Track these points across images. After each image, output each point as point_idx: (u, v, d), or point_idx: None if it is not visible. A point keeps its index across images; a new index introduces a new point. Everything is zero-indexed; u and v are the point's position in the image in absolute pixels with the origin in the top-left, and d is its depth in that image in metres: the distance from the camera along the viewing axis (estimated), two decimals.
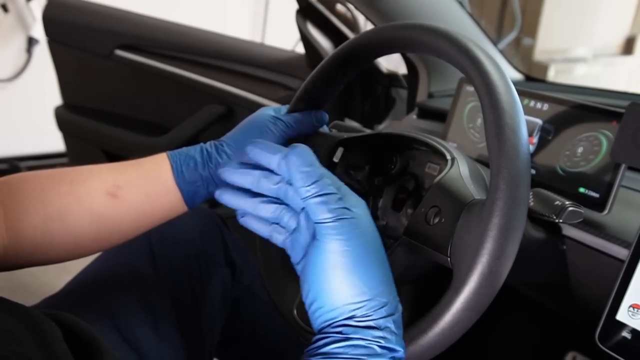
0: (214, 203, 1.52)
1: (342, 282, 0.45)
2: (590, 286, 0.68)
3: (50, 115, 1.65)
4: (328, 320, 0.46)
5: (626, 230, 0.64)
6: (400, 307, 0.48)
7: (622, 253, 0.63)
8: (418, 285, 0.82)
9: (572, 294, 0.71)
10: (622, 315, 0.55)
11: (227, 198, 0.54)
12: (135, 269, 0.79)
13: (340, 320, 0.46)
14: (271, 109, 0.69)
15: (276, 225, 0.53)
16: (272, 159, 0.49)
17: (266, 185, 0.51)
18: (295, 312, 0.62)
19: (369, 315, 0.45)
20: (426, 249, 0.54)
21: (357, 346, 0.44)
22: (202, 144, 0.67)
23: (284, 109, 0.70)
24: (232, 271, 0.91)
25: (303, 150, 0.47)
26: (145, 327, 0.74)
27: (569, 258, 0.69)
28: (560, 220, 0.61)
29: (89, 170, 0.63)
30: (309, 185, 0.46)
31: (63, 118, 1.64)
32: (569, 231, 0.68)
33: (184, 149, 0.66)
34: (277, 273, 0.70)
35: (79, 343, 0.57)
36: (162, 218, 0.66)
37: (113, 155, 1.60)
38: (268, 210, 0.52)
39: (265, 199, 0.52)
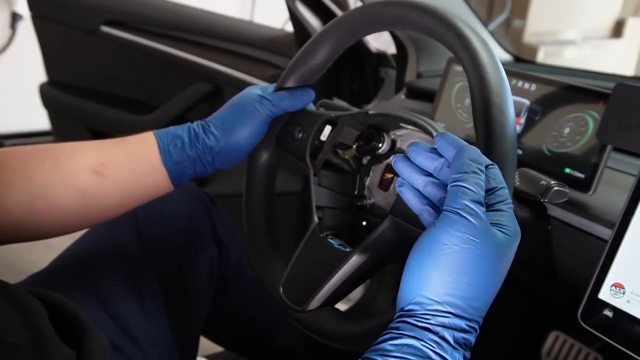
0: (202, 182, 1.52)
1: (425, 273, 0.44)
2: (573, 265, 0.69)
3: (35, 92, 1.62)
4: (399, 307, 0.45)
5: (610, 210, 0.65)
6: (471, 339, 0.44)
7: (606, 233, 0.63)
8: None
9: (556, 273, 0.72)
10: (604, 294, 0.56)
11: (403, 167, 0.52)
12: (121, 246, 0.79)
13: (403, 310, 0.44)
14: (258, 87, 0.69)
15: (429, 208, 0.50)
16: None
17: (446, 173, 0.49)
18: (281, 290, 0.62)
19: (427, 318, 0.43)
20: (413, 228, 0.54)
21: (410, 346, 0.42)
22: (189, 123, 0.67)
23: (271, 87, 0.69)
24: (219, 250, 0.90)
25: (476, 150, 0.48)
26: (132, 304, 0.74)
27: (554, 238, 0.69)
28: (546, 200, 0.61)
29: (74, 147, 0.63)
30: (459, 173, 0.46)
31: (48, 95, 1.61)
32: (554, 211, 0.68)
33: (171, 128, 0.66)
34: (264, 252, 0.70)
35: (63, 321, 0.57)
36: (147, 197, 0.66)
37: (99, 133, 1.58)
38: (436, 193, 0.50)
39: (437, 181, 0.50)
